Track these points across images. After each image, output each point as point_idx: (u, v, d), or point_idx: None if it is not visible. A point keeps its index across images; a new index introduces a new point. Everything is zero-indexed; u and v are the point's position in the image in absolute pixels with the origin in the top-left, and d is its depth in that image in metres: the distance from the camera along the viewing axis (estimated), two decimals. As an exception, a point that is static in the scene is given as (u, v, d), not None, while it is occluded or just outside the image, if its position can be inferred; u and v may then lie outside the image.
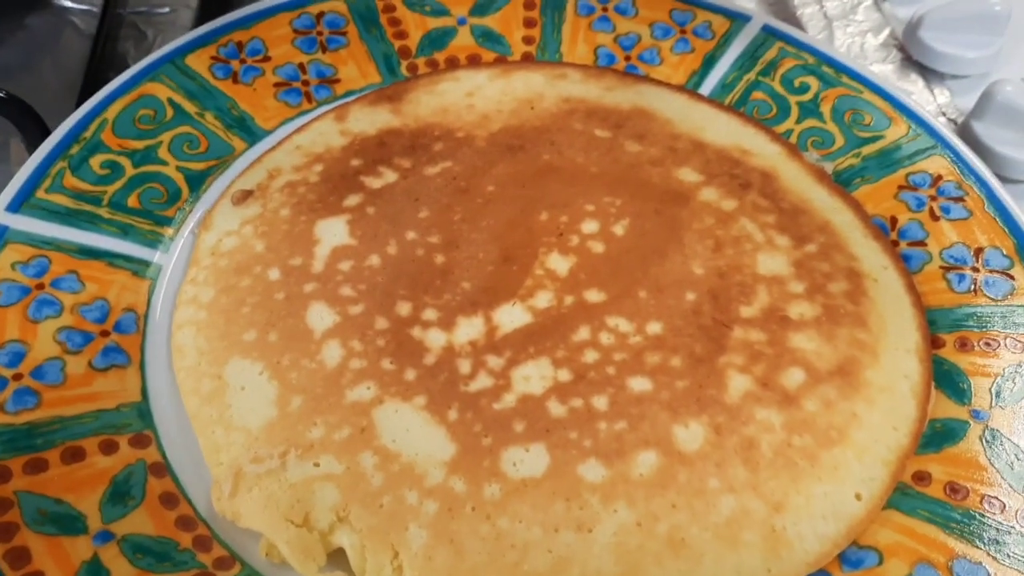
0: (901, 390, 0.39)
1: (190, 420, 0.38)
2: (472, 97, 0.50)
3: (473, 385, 0.38)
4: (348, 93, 0.50)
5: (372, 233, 0.43)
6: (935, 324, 0.42)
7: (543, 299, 0.41)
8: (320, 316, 0.40)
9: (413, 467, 0.36)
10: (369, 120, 0.49)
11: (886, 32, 0.59)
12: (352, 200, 0.45)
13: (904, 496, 0.37)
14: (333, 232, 0.43)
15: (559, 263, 0.42)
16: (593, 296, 0.41)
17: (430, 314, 0.40)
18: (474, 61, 0.52)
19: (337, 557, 0.34)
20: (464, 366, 0.39)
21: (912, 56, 0.57)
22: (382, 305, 0.41)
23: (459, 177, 0.46)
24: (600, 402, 0.38)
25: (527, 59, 0.52)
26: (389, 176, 0.46)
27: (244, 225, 0.44)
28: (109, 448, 0.36)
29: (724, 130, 0.49)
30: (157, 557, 0.34)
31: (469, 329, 0.40)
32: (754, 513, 0.35)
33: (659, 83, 0.52)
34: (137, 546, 0.34)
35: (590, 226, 0.44)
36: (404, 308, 0.41)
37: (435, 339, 0.40)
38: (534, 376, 0.38)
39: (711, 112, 0.50)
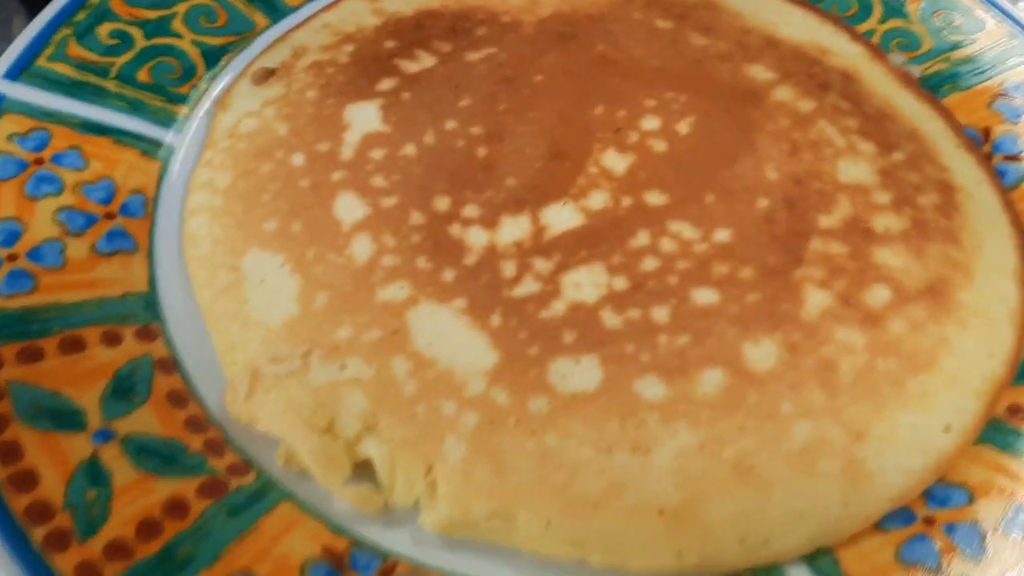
0: (997, 315, 0.35)
1: (202, 314, 0.34)
2: (521, -22, 0.45)
3: (518, 290, 0.34)
4: None
5: (408, 120, 0.39)
6: None
7: (597, 199, 0.37)
8: (349, 207, 0.36)
9: (451, 375, 0.32)
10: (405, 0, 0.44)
11: None
12: (386, 84, 0.40)
13: (998, 431, 0.33)
14: (364, 117, 0.39)
15: (616, 161, 0.38)
16: (654, 198, 0.37)
17: (471, 211, 0.36)
18: None
19: (363, 469, 0.31)
20: (508, 268, 0.35)
21: None
22: (418, 199, 0.36)
23: (504, 65, 0.42)
24: (660, 314, 0.33)
25: None
26: (427, 60, 0.42)
27: (266, 106, 0.40)
28: (112, 339, 0.33)
29: (800, 26, 0.45)
30: (163, 460, 0.30)
31: (514, 229, 0.36)
32: (832, 441, 0.31)
33: (730, -27, 0.47)
34: (141, 447, 0.30)
35: (651, 123, 0.39)
36: (442, 203, 0.36)
37: (476, 238, 0.35)
38: (586, 283, 0.34)
39: (785, 6, 0.46)
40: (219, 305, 0.34)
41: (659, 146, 0.39)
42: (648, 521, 0.30)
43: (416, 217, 0.36)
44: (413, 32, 0.43)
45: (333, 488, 0.30)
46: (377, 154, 0.38)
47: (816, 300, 0.34)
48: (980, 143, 0.41)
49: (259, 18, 0.43)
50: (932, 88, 0.43)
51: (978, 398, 0.33)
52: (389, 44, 0.42)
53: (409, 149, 0.38)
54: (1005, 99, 0.41)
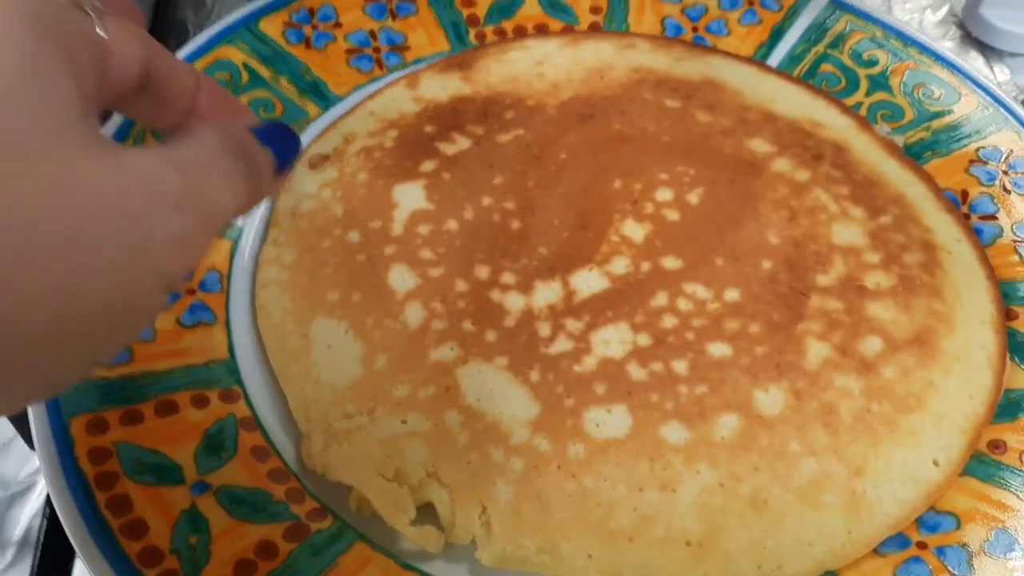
0: (977, 360, 0.40)
1: (277, 376, 0.38)
2: (542, 66, 0.51)
3: (553, 347, 0.39)
4: (418, 60, 0.50)
5: (449, 198, 0.44)
6: (1008, 297, 0.42)
7: (620, 265, 0.41)
8: (401, 278, 0.41)
9: (498, 426, 0.36)
10: (440, 87, 0.49)
11: (945, 9, 0.59)
12: (428, 166, 0.45)
13: (980, 463, 0.37)
14: (411, 196, 0.44)
15: (634, 230, 0.43)
16: (670, 263, 0.42)
17: (508, 278, 0.41)
18: (541, 30, 0.52)
19: (426, 511, 0.35)
20: (544, 329, 0.39)
21: (972, 33, 0.57)
22: (461, 268, 0.41)
23: (532, 144, 0.47)
24: (680, 366, 0.38)
25: (594, 28, 0.53)
26: (463, 143, 0.46)
27: (322, 188, 0.44)
28: (200, 402, 0.37)
29: (794, 102, 0.49)
30: (253, 507, 0.35)
31: (547, 293, 0.40)
32: (835, 476, 0.36)
33: (727, 54, 0.52)
34: (233, 496, 0.35)
35: (664, 194, 0.44)
36: (483, 272, 0.41)
37: (514, 302, 0.40)
38: (613, 340, 0.39)
39: (780, 84, 0.51)
40: (292, 368, 0.38)
41: (672, 215, 0.43)
42: (676, 551, 0.34)
43: (460, 285, 0.41)
44: (449, 117, 0.48)
45: (400, 529, 0.34)
46: (424, 229, 0.42)
47: (817, 351, 0.39)
48: (958, 204, 0.45)
49: (311, 107, 0.48)
50: (915, 154, 0.47)
51: (962, 434, 0.38)
52: (429, 128, 0.47)
53: (451, 224, 0.43)
54: (980, 164, 0.46)
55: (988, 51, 0.57)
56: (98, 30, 0.26)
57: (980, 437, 0.38)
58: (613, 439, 0.36)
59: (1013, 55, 0.56)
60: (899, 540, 0.35)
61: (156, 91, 0.30)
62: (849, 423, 0.37)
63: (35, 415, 0.35)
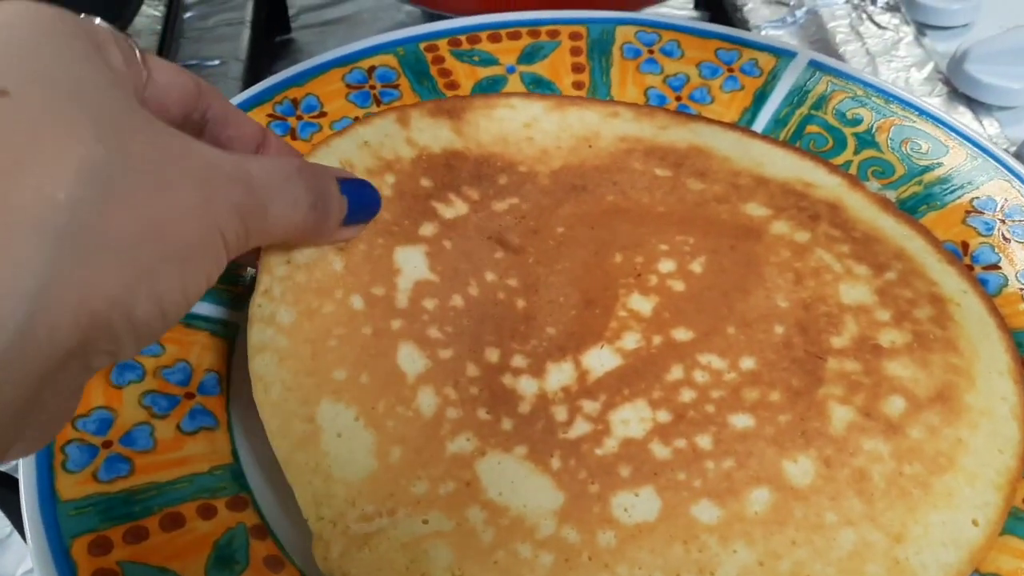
0: (1001, 413, 0.39)
1: (281, 465, 0.36)
2: (530, 129, 0.50)
3: (572, 432, 0.38)
4: (466, 96, 0.51)
5: (452, 271, 0.43)
6: (1021, 347, 0.42)
7: (630, 340, 0.41)
8: (411, 359, 0.39)
9: (523, 519, 0.35)
10: (432, 134, 0.48)
11: (930, 67, 0.59)
12: (427, 229, 0.44)
13: (1020, 521, 0.36)
14: (413, 264, 0.42)
15: (641, 304, 0.42)
16: (681, 335, 0.41)
17: (519, 361, 0.40)
18: None
19: (457, 615, 0.34)
20: (560, 413, 0.38)
21: (958, 89, 0.58)
22: (471, 350, 0.40)
23: (528, 216, 0.46)
24: (704, 441, 0.37)
25: None
26: (460, 207, 0.45)
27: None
28: (207, 512, 0.36)
29: (782, 164, 0.49)
30: None
31: (560, 375, 0.39)
32: (875, 545, 0.34)
33: (711, 121, 0.52)
34: None
35: (667, 265, 0.44)
36: (493, 355, 0.40)
37: (527, 386, 0.39)
38: (633, 419, 0.38)
39: (766, 147, 0.51)
40: (299, 458, 0.36)
41: (678, 286, 0.43)
42: (722, 638, 0.33)
43: (471, 369, 0.39)
44: (445, 172, 0.46)
45: (432, 637, 0.32)
46: (430, 304, 0.41)
47: (841, 415, 0.38)
48: (960, 256, 0.45)
49: None
50: (911, 209, 0.47)
51: (998, 491, 0.37)
52: (425, 183, 0.45)
53: (457, 300, 0.42)
54: (976, 214, 0.46)
55: (976, 106, 0.57)
56: (137, 54, 0.29)
57: (1015, 492, 0.37)
58: (644, 523, 0.35)
59: (1002, 108, 0.57)
60: (946, 608, 0.34)
61: (214, 134, 0.33)
62: (883, 488, 0.36)
63: (33, 538, 0.33)
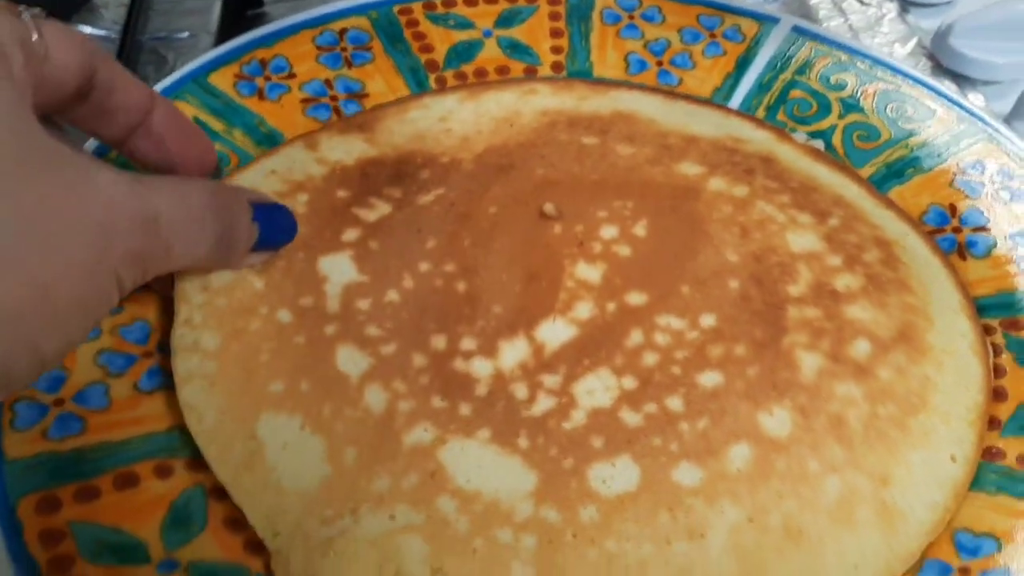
0: (962, 349, 0.39)
1: (227, 490, 0.34)
2: (446, 122, 0.48)
3: (536, 408, 0.35)
4: (377, 107, 0.48)
5: (382, 268, 0.40)
6: (1011, 307, 0.41)
7: (583, 310, 0.39)
8: (352, 360, 0.37)
9: (497, 504, 0.33)
10: (343, 149, 0.46)
11: (913, 42, 0.60)
12: (350, 235, 0.41)
13: (1013, 480, 0.35)
14: (339, 270, 0.40)
15: (589, 272, 0.40)
16: (635, 299, 0.39)
17: (468, 343, 0.38)
18: (503, 72, 0.51)
19: (440, 613, 0.31)
20: (520, 391, 0.36)
21: (943, 63, 0.58)
22: (415, 341, 0.38)
23: (456, 203, 0.44)
24: (675, 403, 0.35)
25: (556, 69, 0.51)
26: (382, 208, 0.43)
27: (235, 262, 0.40)
28: (164, 472, 0.34)
29: (709, 122, 0.48)
30: None
31: (514, 352, 0.37)
32: (861, 490, 0.33)
33: (631, 86, 0.51)
34: (206, 573, 0.31)
35: (609, 231, 0.42)
36: (439, 341, 0.38)
37: (481, 368, 0.37)
38: (597, 388, 0.36)
39: (691, 107, 0.50)
40: (245, 479, 0.34)
41: (623, 251, 0.41)
42: (723, 602, 0.31)
43: (419, 359, 0.37)
44: (361, 181, 0.44)
45: (419, 635, 0.30)
46: (363, 304, 0.39)
47: (809, 362, 0.37)
48: (948, 219, 0.44)
49: None
50: (897, 173, 0.46)
51: (970, 427, 0.36)
52: (342, 194, 0.43)
53: (392, 295, 0.39)
54: (964, 177, 0.45)
55: (961, 80, 0.57)
56: (34, 36, 0.27)
57: (987, 426, 0.37)
58: (626, 493, 0.33)
59: (986, 83, 0.57)
60: (939, 568, 0.33)
61: (99, 100, 0.31)
62: (861, 432, 0.35)
63: None
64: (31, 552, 0.30)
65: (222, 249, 0.34)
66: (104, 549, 0.31)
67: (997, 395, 0.38)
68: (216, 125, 0.45)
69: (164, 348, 0.37)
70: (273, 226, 0.37)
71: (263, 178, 0.43)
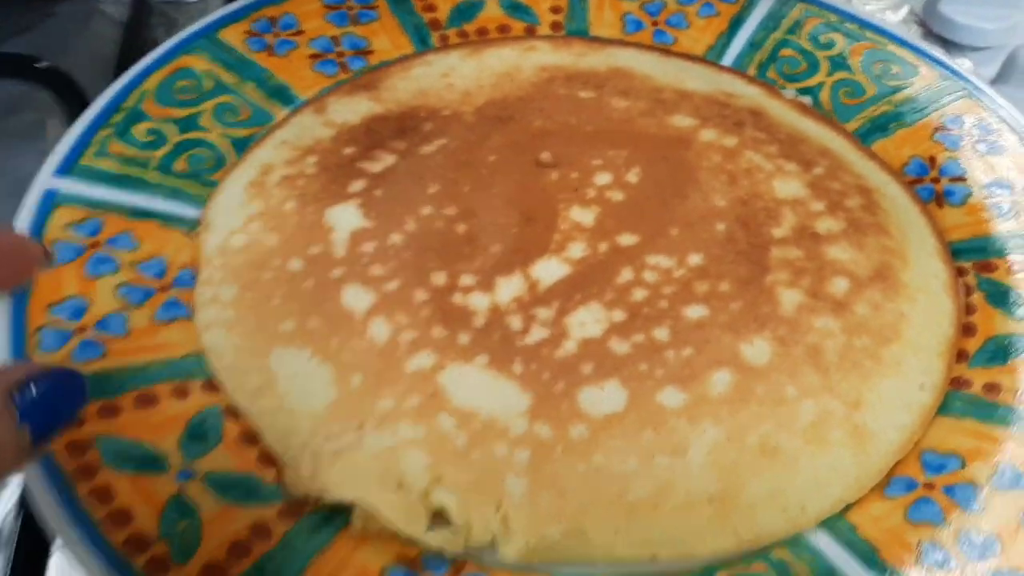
0: (935, 288, 0.41)
1: (245, 415, 0.36)
2: (448, 77, 0.50)
3: (530, 338, 0.38)
4: (382, 63, 0.50)
5: (386, 213, 0.42)
6: (984, 251, 0.43)
7: (576, 250, 0.41)
8: (357, 297, 0.39)
9: (494, 422, 0.35)
10: (350, 110, 0.48)
11: (905, 9, 0.62)
12: (356, 186, 0.44)
13: (978, 406, 0.37)
14: (345, 218, 0.42)
15: (582, 215, 0.42)
16: (626, 240, 0.41)
17: (467, 280, 0.40)
18: (504, 31, 0.53)
19: (438, 516, 0.33)
20: (515, 322, 0.38)
21: (932, 30, 0.60)
22: (417, 278, 0.40)
23: (458, 151, 0.46)
24: (661, 334, 0.38)
25: (556, 28, 0.53)
26: (387, 159, 0.45)
27: (250, 222, 0.42)
28: (181, 393, 0.36)
29: (701, 78, 0.50)
30: (243, 491, 0.33)
31: (510, 288, 0.39)
32: (835, 413, 0.36)
33: (626, 44, 0.53)
34: (222, 482, 0.33)
35: (603, 178, 0.44)
36: (439, 278, 0.40)
37: (479, 302, 0.39)
38: (588, 321, 0.38)
39: (684, 64, 0.52)
40: (259, 404, 0.36)
41: (616, 196, 0.43)
42: (701, 510, 0.33)
43: (420, 295, 0.39)
44: (366, 137, 0.46)
45: (417, 537, 0.32)
46: (368, 247, 0.41)
47: (789, 298, 0.39)
48: (927, 170, 0.47)
49: (277, 110, 0.47)
50: (881, 127, 0.48)
51: (939, 357, 0.38)
52: (348, 150, 0.45)
53: (395, 238, 0.41)
54: (944, 131, 0.48)
55: (950, 46, 0.60)
56: None
57: (955, 359, 0.39)
58: (613, 414, 0.35)
59: (975, 49, 0.59)
60: (906, 482, 0.35)
61: None
62: (836, 362, 0.37)
63: None
64: (58, 460, 0.32)
65: None
66: (126, 458, 0.33)
67: (967, 330, 0.40)
68: (227, 78, 0.47)
69: (180, 282, 0.40)
70: (47, 414, 0.28)
71: (274, 150, 0.45)
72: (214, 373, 0.37)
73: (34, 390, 0.27)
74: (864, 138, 0.48)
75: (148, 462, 0.33)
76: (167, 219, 0.41)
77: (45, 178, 0.41)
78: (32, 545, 0.40)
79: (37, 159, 0.42)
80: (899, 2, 0.63)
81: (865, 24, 0.52)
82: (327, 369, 0.37)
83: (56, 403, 0.28)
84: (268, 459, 0.35)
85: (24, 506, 0.41)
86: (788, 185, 0.44)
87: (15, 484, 0.42)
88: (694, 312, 0.38)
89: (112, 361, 0.36)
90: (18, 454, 0.26)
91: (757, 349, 0.37)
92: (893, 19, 0.62)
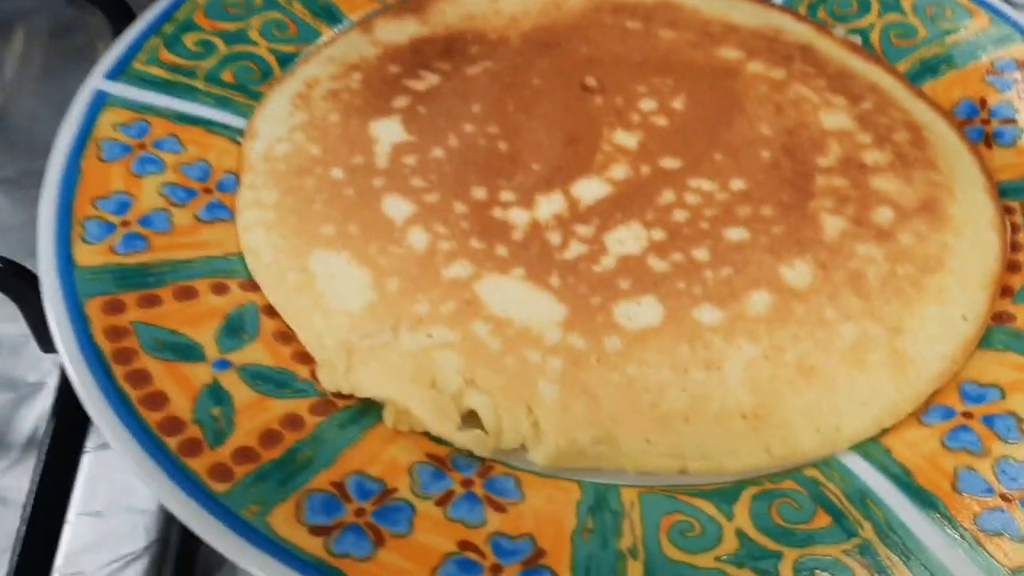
0: (981, 223, 0.40)
1: (279, 313, 0.36)
2: (496, 3, 0.50)
3: (568, 253, 0.37)
4: None
5: (429, 129, 0.42)
6: None
7: (619, 171, 0.41)
8: (397, 206, 0.39)
9: (528, 330, 0.35)
10: (397, 30, 0.48)
11: None
12: (400, 102, 0.44)
13: (1020, 340, 0.37)
14: (389, 131, 0.42)
15: (626, 138, 0.42)
16: (669, 163, 0.41)
17: (507, 195, 0.40)
18: None
19: (469, 418, 0.33)
20: (554, 237, 0.38)
21: None
22: (457, 191, 0.40)
23: (502, 74, 0.46)
24: (701, 254, 0.37)
25: None
26: (431, 79, 0.45)
27: (294, 131, 0.42)
28: (220, 289, 0.36)
29: (750, 13, 0.50)
30: (277, 384, 0.33)
31: (550, 205, 0.39)
32: (875, 337, 0.35)
33: (675, -22, 0.52)
34: (256, 374, 0.34)
35: (648, 104, 0.44)
36: (479, 192, 0.40)
37: (518, 217, 0.39)
38: (628, 238, 0.38)
39: (734, 0, 0.51)
40: (296, 302, 0.36)
41: (661, 121, 0.43)
42: (734, 425, 0.33)
43: (459, 207, 0.39)
44: (412, 56, 0.46)
45: (447, 435, 0.32)
46: (410, 160, 0.41)
47: (833, 224, 0.38)
48: (977, 112, 0.46)
49: (324, 28, 0.48)
50: (932, 68, 0.48)
51: (983, 290, 0.38)
52: (394, 68, 0.45)
53: (437, 152, 0.41)
54: (995, 74, 0.47)
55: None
56: None
57: (998, 292, 0.38)
58: (648, 328, 0.35)
59: None
60: (943, 411, 0.35)
61: None
62: (878, 287, 0.36)
63: (49, 296, 0.34)
64: (97, 342, 0.33)
65: None
66: (164, 346, 0.33)
67: (1012, 268, 0.39)
68: (278, -6, 0.47)
69: (223, 187, 0.40)
70: None
71: (322, 66, 0.45)
72: (253, 273, 0.37)
73: None
74: (914, 79, 0.47)
75: (185, 351, 0.34)
76: (213, 126, 0.42)
77: (95, 80, 0.42)
78: (65, 449, 0.41)
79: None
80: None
81: None
82: (365, 273, 0.37)
83: None
84: (303, 357, 0.35)
85: (57, 411, 0.41)
86: (835, 117, 0.43)
87: (51, 387, 0.43)
88: (734, 234, 0.38)
89: (154, 255, 0.37)
90: None
91: (798, 272, 0.37)
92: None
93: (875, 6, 0.51)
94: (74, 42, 0.60)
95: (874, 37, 0.49)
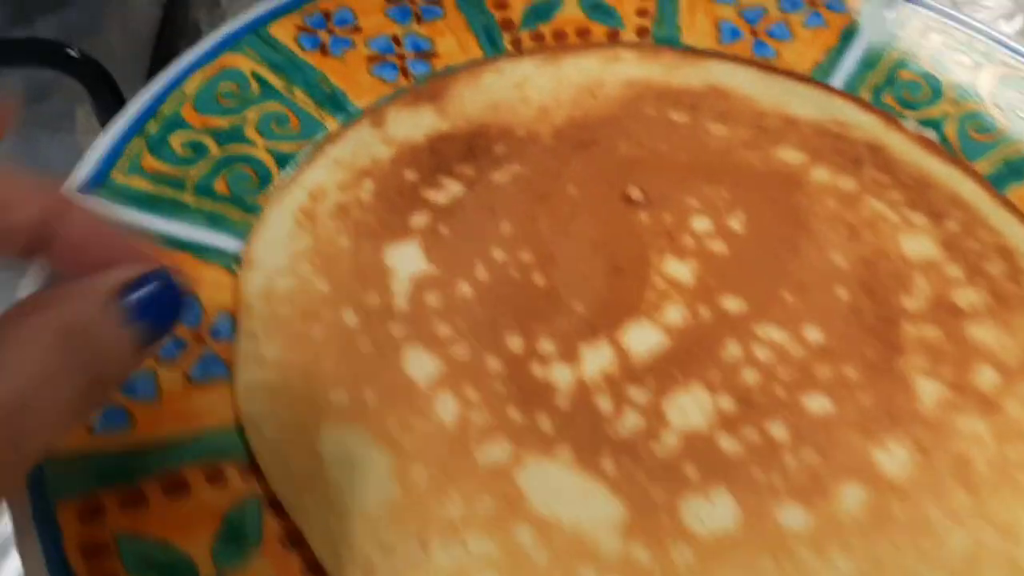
0: (1096, 380, 0.35)
1: (288, 512, 0.31)
2: (523, 89, 0.44)
3: (621, 427, 0.32)
4: (448, 68, 0.44)
5: (453, 257, 0.37)
6: None
7: (674, 313, 0.35)
8: (420, 364, 0.33)
9: (580, 536, 0.30)
10: (412, 123, 0.42)
11: (1020, 18, 0.54)
12: (419, 220, 0.38)
13: None
14: (407, 259, 0.37)
15: (679, 269, 0.37)
16: (731, 304, 0.35)
17: (547, 346, 0.34)
18: (583, 35, 0.46)
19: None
20: (604, 404, 0.33)
21: None
22: (488, 342, 0.34)
23: (533, 181, 0.40)
24: (778, 431, 0.32)
25: (641, 33, 0.46)
26: (453, 188, 0.39)
27: (298, 261, 0.37)
28: (216, 479, 0.31)
29: (810, 102, 0.44)
30: None
31: (597, 358, 0.34)
32: (989, 546, 0.30)
33: (723, 56, 0.46)
34: None
35: (701, 223, 0.38)
36: (515, 343, 0.34)
37: (561, 375, 0.33)
38: (691, 407, 0.32)
39: (790, 84, 0.45)
40: (306, 500, 0.31)
41: (718, 247, 0.37)
42: (830, 666, 0.28)
43: (493, 363, 0.34)
44: (430, 159, 0.40)
45: None
46: (432, 299, 0.35)
47: (928, 390, 0.33)
48: None
49: (329, 121, 0.41)
50: (1016, 170, 0.42)
51: (1108, 471, 0.33)
52: (410, 176, 0.40)
53: (464, 288, 0.36)
54: None
55: None
56: None
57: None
58: (723, 534, 0.30)
59: None
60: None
61: (61, 256, 0.26)
62: (988, 477, 0.31)
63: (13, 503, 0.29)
64: (71, 563, 0.28)
65: (96, 395, 0.25)
66: (150, 566, 0.28)
67: None
68: (276, 82, 0.41)
69: (217, 333, 0.34)
70: (159, 310, 0.26)
71: (327, 171, 0.40)
72: (256, 453, 0.32)
73: (141, 292, 0.25)
74: (997, 183, 0.42)
75: (176, 572, 0.28)
76: (205, 252, 0.36)
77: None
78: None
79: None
80: (1012, 11, 0.56)
81: (999, 44, 0.46)
82: (386, 457, 0.31)
83: (163, 303, 0.26)
84: (315, 568, 0.29)
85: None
86: (918, 243, 0.37)
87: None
88: (816, 403, 0.32)
89: (139, 434, 0.31)
90: (124, 360, 0.25)
91: (894, 457, 0.31)
92: (1008, 30, 0.55)
93: (949, 93, 0.45)
94: (52, 106, 0.56)
95: (949, 130, 0.44)
